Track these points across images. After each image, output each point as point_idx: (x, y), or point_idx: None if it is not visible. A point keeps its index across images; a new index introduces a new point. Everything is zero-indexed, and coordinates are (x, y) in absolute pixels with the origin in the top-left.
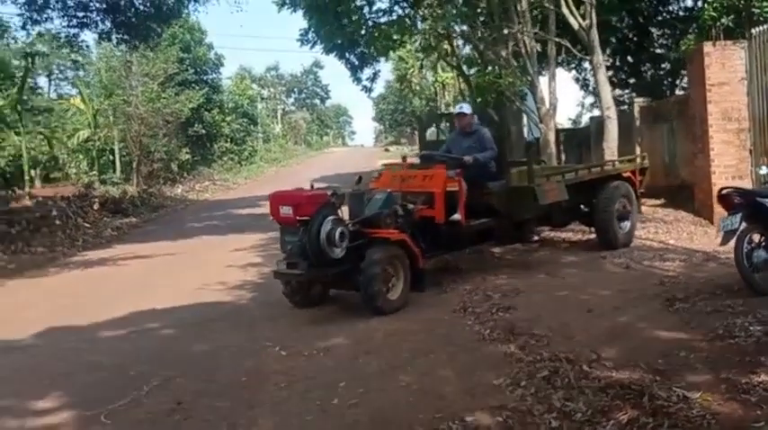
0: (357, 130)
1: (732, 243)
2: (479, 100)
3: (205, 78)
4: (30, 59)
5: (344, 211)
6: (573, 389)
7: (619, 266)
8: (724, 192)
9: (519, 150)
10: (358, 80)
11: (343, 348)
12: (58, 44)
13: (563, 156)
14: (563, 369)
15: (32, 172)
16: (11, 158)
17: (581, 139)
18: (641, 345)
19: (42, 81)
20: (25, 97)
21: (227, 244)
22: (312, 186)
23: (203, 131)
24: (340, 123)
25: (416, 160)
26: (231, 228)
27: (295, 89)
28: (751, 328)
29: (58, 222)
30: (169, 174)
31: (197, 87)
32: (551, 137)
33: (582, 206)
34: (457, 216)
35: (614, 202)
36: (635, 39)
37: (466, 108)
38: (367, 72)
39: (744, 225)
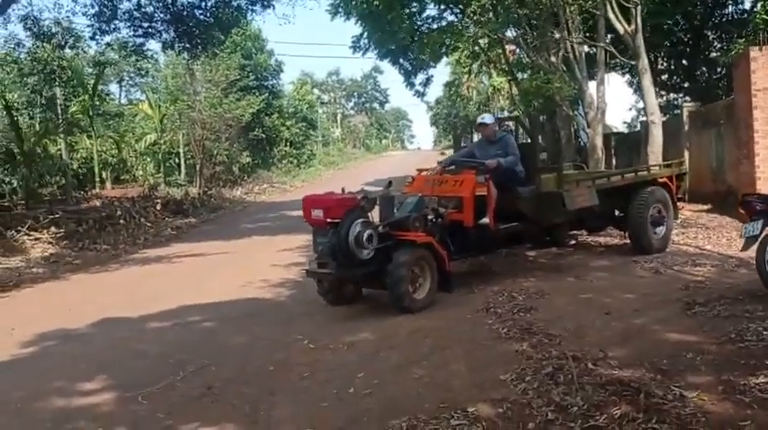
0: (416, 134)
1: (754, 248)
2: (525, 106)
3: (265, 84)
4: (100, 67)
5: (375, 214)
6: (573, 384)
7: (648, 271)
8: (746, 198)
9: (569, 154)
10: (411, 85)
11: (367, 343)
12: (125, 53)
13: (614, 161)
14: (567, 366)
15: (103, 173)
16: (83, 161)
17: (632, 144)
18: (650, 346)
19: (114, 87)
20: (97, 103)
21: (276, 244)
22: (343, 190)
23: (263, 136)
24: (399, 127)
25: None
26: (281, 229)
27: (355, 93)
28: (764, 333)
29: (122, 222)
30: (230, 177)
31: (257, 93)
32: (598, 141)
33: (616, 211)
34: (486, 220)
35: (648, 208)
36: (690, 42)
37: (487, 119)
38: (420, 77)
39: (766, 231)
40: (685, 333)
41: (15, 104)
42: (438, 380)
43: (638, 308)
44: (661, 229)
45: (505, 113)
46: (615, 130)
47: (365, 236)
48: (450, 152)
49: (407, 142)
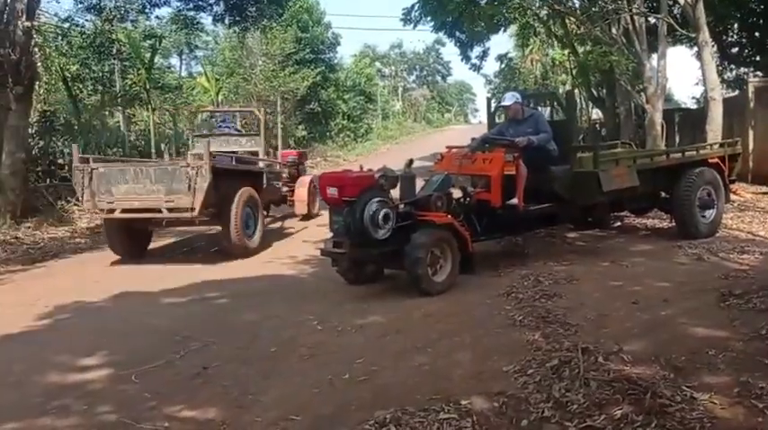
0: (480, 108)
1: None
2: (583, 80)
3: (322, 57)
4: (155, 41)
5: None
6: (577, 380)
7: (690, 257)
8: None
9: (628, 131)
10: (467, 58)
11: (376, 326)
12: (177, 27)
13: (677, 138)
14: (576, 359)
15: (162, 145)
16: (141, 133)
17: (695, 120)
18: (671, 340)
19: (174, 60)
20: (156, 76)
21: (313, 219)
22: (361, 168)
23: (319, 109)
24: (463, 101)
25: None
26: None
27: (417, 66)
28: None
29: None
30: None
31: (313, 66)
32: (658, 118)
33: (662, 193)
34: (515, 200)
35: (696, 190)
36: (762, 13)
37: (507, 99)
38: (477, 50)
39: None
40: (713, 327)
41: (70, 76)
42: (438, 368)
43: (668, 297)
44: (710, 213)
45: (564, 89)
46: (684, 106)
47: (381, 215)
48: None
49: (471, 116)
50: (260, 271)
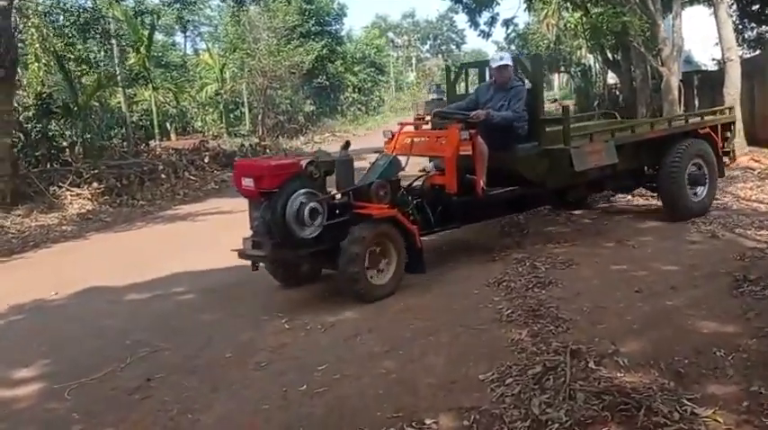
0: None
1: None
2: (594, 43)
3: (328, 29)
4: (153, 18)
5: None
6: (562, 392)
7: (703, 234)
8: None
9: (644, 95)
10: (475, 24)
11: (347, 324)
12: (169, 2)
13: (696, 102)
14: (563, 364)
15: (168, 125)
16: (143, 113)
17: (715, 83)
18: (674, 338)
19: (179, 38)
20: (159, 54)
21: None
22: (285, 153)
23: (327, 83)
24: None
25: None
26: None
27: (430, 35)
28: None
29: (163, 176)
30: (295, 126)
31: (319, 39)
32: (674, 82)
33: (647, 169)
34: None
35: (685, 165)
36: None
37: (507, 59)
38: (485, 16)
39: None
40: (723, 320)
41: (72, 57)
42: (406, 376)
43: (675, 284)
44: (701, 190)
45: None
46: (704, 68)
47: (307, 210)
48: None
49: None
50: (237, 260)
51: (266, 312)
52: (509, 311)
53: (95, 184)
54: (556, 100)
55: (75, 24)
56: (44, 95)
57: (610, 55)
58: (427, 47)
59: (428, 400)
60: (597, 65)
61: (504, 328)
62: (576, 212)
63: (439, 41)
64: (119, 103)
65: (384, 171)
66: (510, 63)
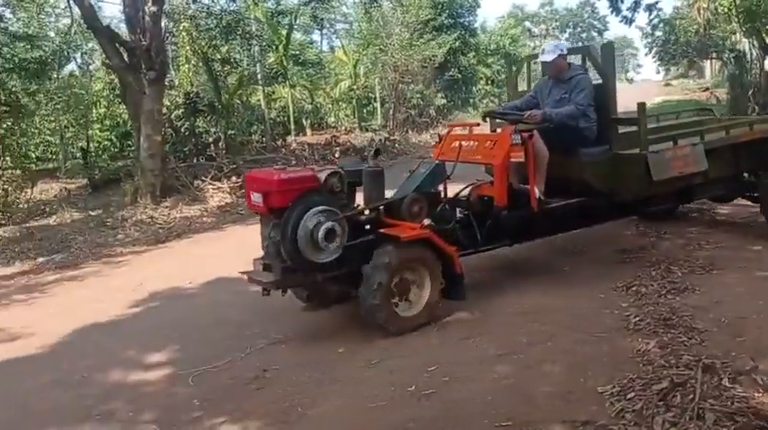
0: (644, 64)
1: None
2: (748, 29)
3: (461, 21)
4: (293, 17)
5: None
6: (690, 410)
7: None
8: None
9: None
10: (617, 10)
11: (461, 324)
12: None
13: None
14: (693, 380)
15: (303, 121)
16: (281, 110)
17: None
18: None
19: (316, 36)
20: (297, 52)
21: None
22: (304, 164)
23: (459, 76)
24: (623, 56)
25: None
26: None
27: (570, 24)
28: None
29: None
30: (426, 120)
31: (451, 31)
32: None
33: (746, 175)
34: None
35: None
36: None
37: (548, 52)
38: (628, 0)
39: None
40: None
41: (219, 58)
42: (521, 383)
43: None
44: None
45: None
46: None
47: (321, 232)
48: (677, 83)
49: (634, 72)
50: None
51: None
52: (637, 319)
53: (234, 178)
54: (707, 89)
55: (219, 26)
56: (192, 95)
57: (767, 39)
58: (566, 35)
59: (542, 410)
60: (753, 51)
61: (630, 338)
62: (723, 211)
63: (579, 29)
64: (258, 100)
65: (424, 181)
66: (548, 58)
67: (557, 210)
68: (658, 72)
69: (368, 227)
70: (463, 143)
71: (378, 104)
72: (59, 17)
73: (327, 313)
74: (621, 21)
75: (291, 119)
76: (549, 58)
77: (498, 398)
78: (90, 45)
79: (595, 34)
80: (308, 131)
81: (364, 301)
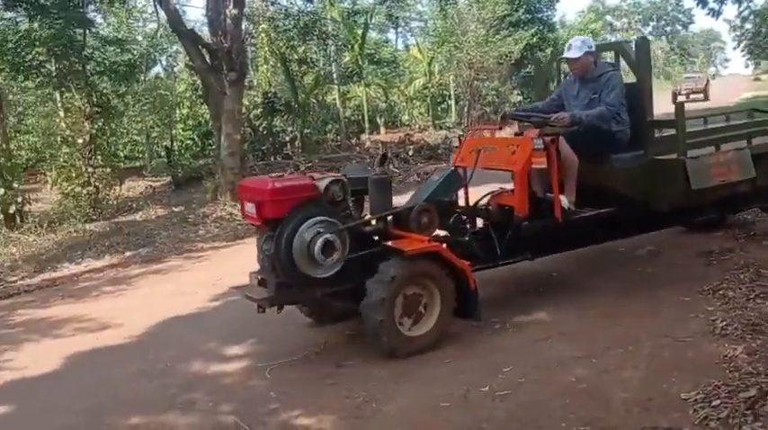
0: (732, 58)
1: None
2: None
3: (539, 17)
4: (368, 16)
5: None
6: None
7: None
8: None
9: None
10: (703, 3)
11: (539, 326)
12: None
13: None
14: None
15: (378, 119)
16: (355, 108)
17: None
18: None
19: (391, 34)
20: (372, 51)
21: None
22: (299, 170)
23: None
24: (710, 50)
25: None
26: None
27: (653, 16)
28: None
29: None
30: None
31: (528, 27)
32: None
33: None
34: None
35: None
36: None
37: (574, 48)
38: None
39: None
40: None
41: (296, 58)
42: (598, 388)
43: None
44: None
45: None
46: None
47: (318, 245)
48: (766, 78)
49: (721, 67)
50: None
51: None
52: (723, 324)
53: None
54: None
55: (296, 27)
56: (269, 94)
57: None
58: (650, 28)
59: (620, 417)
60: None
61: (716, 343)
62: None
63: (663, 22)
64: (334, 99)
65: (437, 189)
66: (574, 55)
67: (583, 221)
68: (747, 66)
69: (375, 239)
70: (484, 148)
71: (452, 102)
72: (147, 22)
73: None
74: (708, 13)
75: (366, 117)
76: (575, 54)
77: (575, 402)
78: (174, 48)
79: (680, 28)
80: (382, 130)
81: (366, 318)
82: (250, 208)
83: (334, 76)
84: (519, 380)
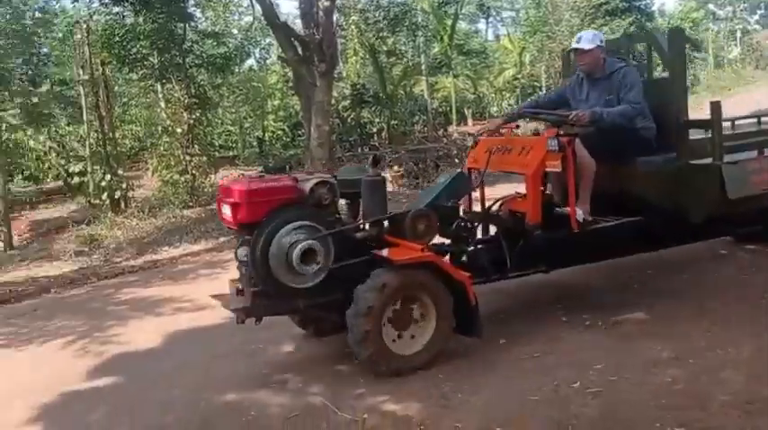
0: None
1: None
2: None
3: (637, 5)
4: (458, 6)
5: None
6: None
7: None
8: None
9: None
10: None
11: (632, 324)
12: None
13: None
14: None
15: (465, 111)
16: (443, 99)
17: None
18: None
19: (481, 24)
20: (461, 41)
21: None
22: (278, 172)
23: (633, 62)
24: None
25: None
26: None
27: (761, 5)
28: None
29: (456, 161)
30: None
31: (625, 16)
32: None
33: None
34: (565, 210)
35: None
36: None
37: (585, 40)
38: None
39: None
40: None
41: (385, 50)
42: (695, 389)
43: None
44: None
45: None
46: None
47: (296, 252)
48: None
49: None
50: None
51: (544, 305)
52: None
53: (395, 167)
54: None
55: (386, 19)
56: (358, 86)
57: None
58: (756, 17)
59: (718, 419)
60: None
61: None
62: None
63: None
64: (422, 90)
65: (441, 193)
66: (585, 46)
67: (604, 231)
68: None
69: (368, 245)
70: (498, 148)
71: (543, 93)
72: (242, 15)
73: (486, 306)
74: None
75: (453, 109)
76: (587, 45)
77: (670, 403)
78: (267, 41)
79: None
80: (470, 121)
81: (351, 327)
82: (226, 210)
83: (423, 67)
84: (611, 378)
